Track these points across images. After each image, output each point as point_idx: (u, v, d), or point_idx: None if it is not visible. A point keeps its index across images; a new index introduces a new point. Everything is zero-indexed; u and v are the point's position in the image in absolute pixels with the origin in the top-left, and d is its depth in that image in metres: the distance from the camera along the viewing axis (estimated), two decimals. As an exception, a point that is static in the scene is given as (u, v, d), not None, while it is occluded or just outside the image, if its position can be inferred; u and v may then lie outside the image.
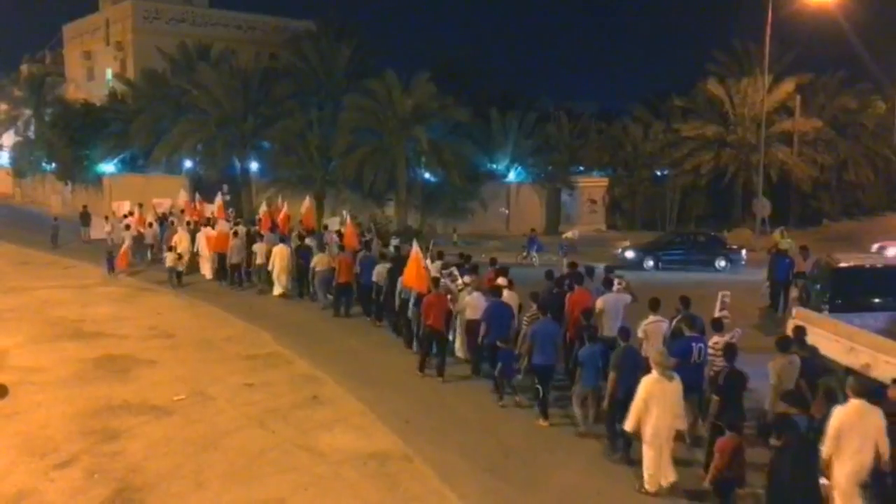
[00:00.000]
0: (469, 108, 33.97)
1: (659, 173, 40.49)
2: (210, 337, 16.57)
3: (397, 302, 15.82)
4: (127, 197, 32.76)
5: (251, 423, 11.43)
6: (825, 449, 7.74)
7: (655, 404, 8.90)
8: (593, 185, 39.68)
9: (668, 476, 9.11)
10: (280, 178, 35.00)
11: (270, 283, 21.00)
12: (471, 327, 13.64)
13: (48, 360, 14.46)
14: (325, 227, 24.67)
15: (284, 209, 26.02)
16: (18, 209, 47.78)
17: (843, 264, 15.36)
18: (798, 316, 12.96)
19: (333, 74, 37.36)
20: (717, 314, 11.94)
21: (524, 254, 26.73)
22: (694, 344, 10.36)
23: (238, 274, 22.12)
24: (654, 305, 11.78)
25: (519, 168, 37.85)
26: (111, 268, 24.06)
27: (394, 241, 21.58)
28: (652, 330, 11.37)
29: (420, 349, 14.39)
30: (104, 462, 9.94)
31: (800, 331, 10.70)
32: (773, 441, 7.87)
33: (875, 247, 24.75)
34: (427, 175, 35.65)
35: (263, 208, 27.43)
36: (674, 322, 11.46)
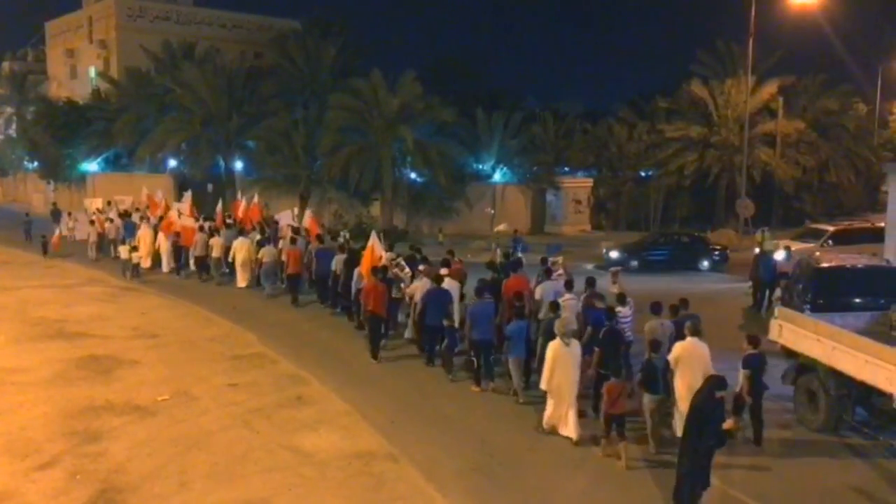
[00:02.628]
0: (455, 108, 34.01)
1: (643, 174, 40.65)
2: (194, 337, 16.49)
3: (353, 290, 16.96)
4: (112, 196, 32.83)
5: (235, 423, 11.39)
6: (672, 370, 10.58)
7: (558, 365, 10.75)
8: (578, 185, 39.79)
9: (573, 433, 10.77)
10: (265, 177, 34.93)
11: (231, 276, 22.33)
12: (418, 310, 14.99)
13: (30, 360, 14.33)
14: (276, 222, 25.24)
15: (243, 205, 26.80)
16: (1, 209, 47.29)
17: (824, 264, 15.49)
18: (780, 315, 13.07)
19: (319, 73, 37.31)
20: (612, 289, 13.96)
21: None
22: (603, 314, 12.51)
23: (201, 267, 23.13)
24: (569, 286, 13.85)
25: (504, 168, 37.90)
26: (45, 251, 27.49)
27: (343, 234, 22.70)
28: (567, 305, 13.08)
29: (369, 336, 15.20)
30: (86, 463, 9.87)
31: (682, 303, 12.62)
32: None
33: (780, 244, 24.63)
34: (413, 175, 35.66)
35: (219, 207, 27.93)
36: (582, 298, 13.51)
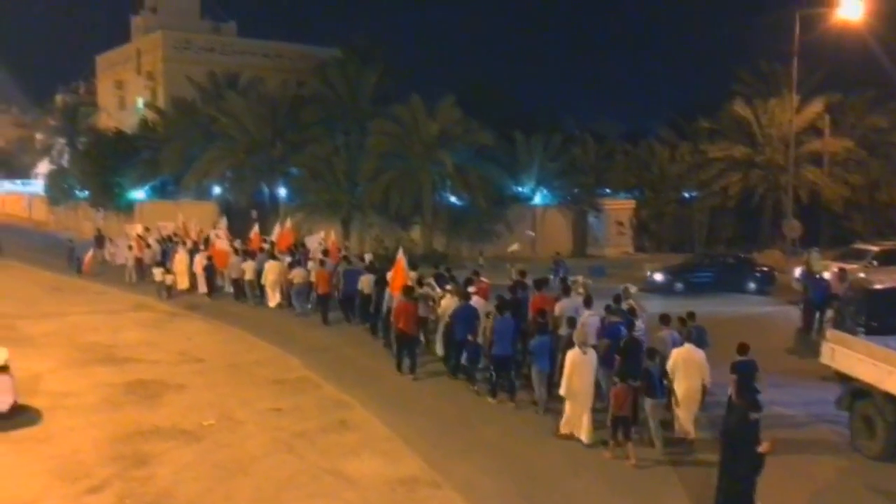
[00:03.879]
0: (494, 132, 34.05)
1: (686, 195, 40.19)
2: (239, 361, 16.65)
3: (384, 308, 17.65)
4: (155, 223, 33.99)
5: (280, 447, 11.44)
6: (671, 376, 11.43)
7: (576, 371, 11.50)
8: (620, 207, 39.46)
9: (585, 436, 11.51)
10: (307, 203, 35.34)
11: (262, 297, 23.21)
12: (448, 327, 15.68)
13: (80, 384, 14.61)
14: (303, 245, 26.09)
15: (277, 229, 27.84)
16: (52, 236, 48.62)
17: (878, 286, 15.06)
18: (832, 338, 12.71)
19: (359, 100, 37.77)
20: (624, 305, 14.61)
21: (551, 277, 26.51)
22: (622, 330, 13.16)
23: (237, 288, 24.00)
24: (588, 303, 14.56)
25: (545, 190, 37.80)
26: (79, 269, 29.60)
27: (367, 256, 23.95)
28: (587, 322, 13.75)
29: (395, 351, 15.95)
30: (135, 487, 9.98)
31: (689, 315, 13.16)
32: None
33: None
34: (452, 198, 35.75)
35: (255, 230, 28.72)
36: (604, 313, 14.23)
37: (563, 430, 11.78)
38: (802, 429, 12.30)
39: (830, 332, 13.11)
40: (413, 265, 19.38)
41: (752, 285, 26.54)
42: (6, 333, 18.77)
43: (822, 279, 19.17)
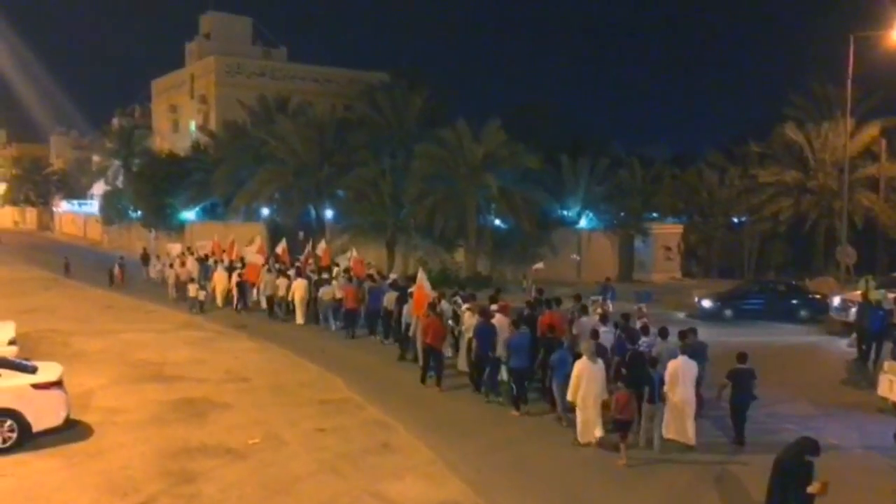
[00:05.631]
0: (539, 155, 33.96)
1: (736, 220, 39.49)
2: (284, 381, 16.80)
3: (403, 325, 18.91)
4: (194, 242, 35.68)
5: (323, 468, 11.46)
6: (667, 385, 12.22)
7: (584, 380, 12.33)
8: (668, 231, 38.94)
9: (597, 432, 12.40)
10: (353, 224, 35.71)
11: (291, 313, 24.42)
12: (471, 343, 16.38)
13: (130, 401, 14.89)
14: (337, 265, 27.02)
15: (307, 250, 29.65)
16: (105, 255, 49.92)
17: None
18: (890, 369, 12.31)
19: (406, 124, 38.14)
20: (639, 323, 15.54)
21: (599, 301, 26.21)
22: (628, 345, 14.22)
23: (270, 304, 25.24)
24: (604, 320, 15.73)
25: (590, 214, 37.52)
26: (111, 281, 32.76)
27: (392, 276, 25.67)
28: (603, 337, 14.41)
29: (421, 364, 16.88)
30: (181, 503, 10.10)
31: (691, 331, 14.14)
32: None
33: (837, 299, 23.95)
34: (497, 221, 35.72)
35: (282, 245, 30.27)
36: (617, 330, 15.31)
37: (582, 439, 12.41)
38: (859, 462, 11.87)
39: (888, 363, 12.71)
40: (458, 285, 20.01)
41: (803, 313, 25.83)
42: (61, 349, 19.32)
43: (879, 308, 18.55)
